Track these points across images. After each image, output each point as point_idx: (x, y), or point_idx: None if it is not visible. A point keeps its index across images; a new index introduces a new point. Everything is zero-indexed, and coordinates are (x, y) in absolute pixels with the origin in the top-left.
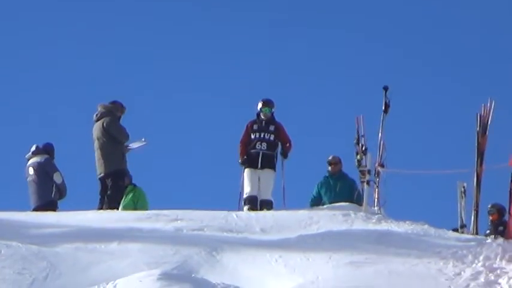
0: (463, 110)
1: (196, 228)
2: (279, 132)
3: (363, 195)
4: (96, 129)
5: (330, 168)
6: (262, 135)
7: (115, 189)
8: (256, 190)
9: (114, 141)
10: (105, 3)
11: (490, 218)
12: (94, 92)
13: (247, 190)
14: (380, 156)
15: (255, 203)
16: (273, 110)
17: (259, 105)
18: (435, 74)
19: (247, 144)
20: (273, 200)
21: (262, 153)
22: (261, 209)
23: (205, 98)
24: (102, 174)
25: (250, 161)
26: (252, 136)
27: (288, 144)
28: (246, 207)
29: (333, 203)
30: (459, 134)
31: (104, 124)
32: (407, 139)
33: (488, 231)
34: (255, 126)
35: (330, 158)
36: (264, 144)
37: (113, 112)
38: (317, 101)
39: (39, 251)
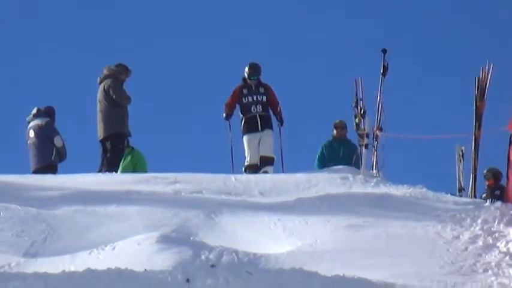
0: (461, 73)
1: (194, 191)
2: (269, 93)
3: (361, 158)
4: (99, 91)
5: (335, 132)
6: (255, 98)
7: (114, 152)
8: (256, 157)
9: (114, 104)
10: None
11: (487, 182)
12: (98, 53)
13: (248, 157)
14: (378, 119)
15: (256, 171)
16: (260, 75)
17: (246, 70)
18: (433, 36)
19: (233, 107)
20: (274, 156)
21: (259, 115)
22: (262, 165)
23: (205, 58)
24: (101, 137)
25: (249, 125)
26: (244, 100)
27: (278, 108)
28: (245, 174)
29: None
30: (457, 97)
31: (105, 87)
32: (405, 102)
33: (484, 195)
34: (245, 91)
35: (337, 121)
36: (259, 106)
37: (116, 75)
38: (315, 63)
39: (38, 213)
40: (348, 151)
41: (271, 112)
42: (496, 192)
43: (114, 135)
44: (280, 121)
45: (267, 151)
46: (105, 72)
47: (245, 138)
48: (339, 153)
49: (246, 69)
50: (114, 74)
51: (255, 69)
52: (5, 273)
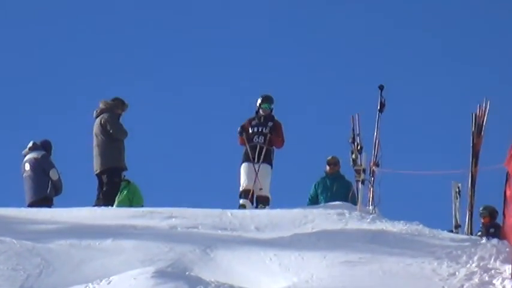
0: (459, 110)
1: (190, 226)
2: (276, 129)
3: (357, 194)
4: (95, 125)
5: (328, 168)
6: (260, 129)
7: (110, 186)
8: (251, 183)
9: (111, 138)
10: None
11: (482, 220)
12: (94, 88)
13: (243, 183)
14: (375, 155)
15: (249, 195)
16: (272, 106)
17: (259, 100)
18: (431, 73)
19: (245, 129)
20: (270, 196)
21: (260, 146)
22: (257, 205)
23: (200, 97)
24: (98, 171)
25: (247, 155)
26: (251, 130)
27: (280, 141)
28: (241, 201)
29: (329, 202)
30: (454, 134)
31: (102, 121)
32: (402, 138)
33: (479, 233)
34: (254, 122)
35: (329, 158)
36: (262, 138)
37: (113, 109)
38: (313, 99)
39: (33, 247)
40: (341, 187)
41: (273, 147)
42: (491, 230)
43: (110, 169)
44: (271, 144)
45: (263, 190)
46: (102, 106)
47: (242, 166)
48: (332, 189)
49: (259, 99)
50: (110, 108)
51: (267, 98)
52: None
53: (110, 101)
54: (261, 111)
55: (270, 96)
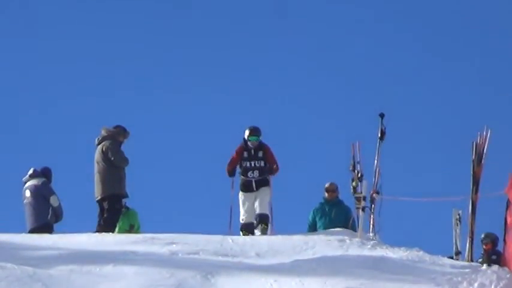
0: (459, 138)
1: (191, 252)
2: (267, 155)
3: (358, 221)
4: (97, 152)
5: (326, 195)
6: (253, 164)
7: (111, 213)
8: (252, 216)
9: (112, 165)
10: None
11: (484, 247)
12: (95, 114)
13: (243, 216)
14: (375, 183)
15: (251, 230)
16: (260, 138)
17: (246, 133)
18: (431, 102)
19: (235, 164)
20: (269, 214)
21: (255, 180)
22: (258, 223)
23: (199, 121)
24: (99, 198)
25: (244, 187)
26: (243, 164)
27: (275, 166)
28: (241, 233)
29: (328, 228)
30: (455, 161)
31: (104, 148)
32: (403, 166)
33: (481, 260)
34: (245, 154)
35: (327, 185)
36: (256, 172)
37: (115, 136)
38: (313, 127)
39: (34, 273)
40: (340, 213)
41: (268, 175)
42: (493, 257)
43: (111, 196)
44: (271, 171)
45: (262, 209)
46: (103, 133)
47: (240, 195)
48: (331, 214)
49: (247, 131)
50: (112, 135)
51: (255, 131)
52: None
53: (111, 128)
54: (249, 143)
55: (257, 128)
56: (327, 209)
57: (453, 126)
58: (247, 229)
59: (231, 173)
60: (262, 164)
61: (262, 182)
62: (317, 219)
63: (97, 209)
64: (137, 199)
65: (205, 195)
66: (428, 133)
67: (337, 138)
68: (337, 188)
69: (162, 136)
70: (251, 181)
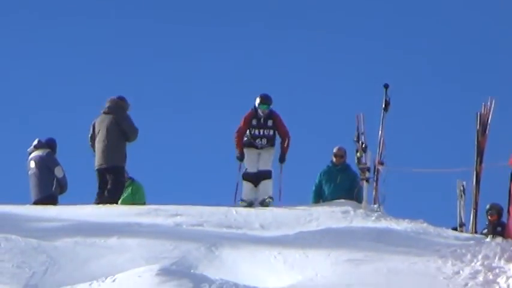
0: (463, 109)
1: (195, 223)
2: (277, 124)
3: (362, 192)
4: (106, 121)
5: (334, 159)
6: (262, 132)
7: (117, 185)
8: (254, 168)
9: (123, 137)
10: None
11: (489, 218)
12: (95, 86)
13: (246, 167)
14: (380, 154)
15: (254, 179)
16: (271, 106)
17: (257, 100)
18: (436, 72)
19: (243, 135)
20: (272, 170)
21: (262, 146)
22: (260, 180)
23: (204, 93)
24: (103, 166)
25: (251, 143)
26: (252, 131)
27: (286, 139)
28: (244, 182)
29: (333, 194)
30: (459, 132)
31: (119, 119)
32: (407, 137)
33: (485, 231)
34: (254, 122)
35: (336, 150)
36: (264, 140)
37: (125, 108)
38: (318, 98)
39: (38, 244)
40: (346, 178)
41: (276, 142)
42: (498, 229)
43: (117, 168)
44: (282, 158)
45: (265, 165)
46: (111, 103)
47: (245, 151)
48: (337, 179)
49: (257, 99)
50: (122, 106)
51: (266, 99)
52: None
53: (116, 99)
54: (259, 111)
55: (268, 96)
56: (333, 174)
57: (457, 96)
58: (250, 179)
59: (239, 145)
60: (271, 133)
61: (268, 145)
62: (323, 182)
63: (96, 178)
64: (142, 170)
65: (210, 167)
66: (432, 104)
67: (342, 110)
68: (345, 152)
69: (167, 107)
70: (257, 146)
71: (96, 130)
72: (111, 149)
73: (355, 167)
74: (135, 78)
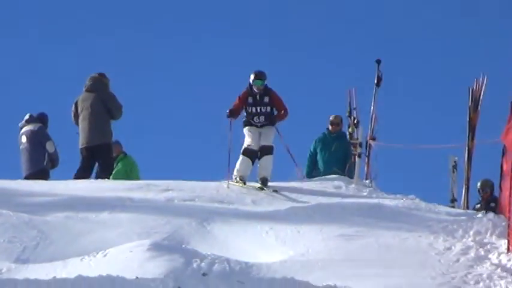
0: (456, 85)
1: (187, 198)
2: (274, 101)
3: (354, 168)
4: (90, 99)
5: (330, 127)
6: (259, 110)
7: (108, 162)
8: (256, 143)
9: (107, 114)
10: None
11: (482, 194)
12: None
13: (249, 141)
14: (372, 129)
15: (254, 156)
16: (265, 82)
17: (252, 77)
18: (428, 47)
19: (238, 110)
20: (273, 145)
21: (261, 124)
22: (261, 155)
23: (198, 66)
24: (89, 145)
25: (249, 123)
26: (248, 109)
27: (283, 112)
28: (242, 157)
29: (327, 162)
30: (451, 108)
31: (104, 97)
32: (399, 113)
33: (478, 206)
34: (250, 99)
35: (332, 118)
36: (262, 118)
37: (108, 86)
38: (309, 73)
39: (30, 219)
40: (341, 147)
41: (276, 120)
42: (491, 205)
43: (107, 145)
44: (274, 121)
45: (266, 141)
46: (94, 81)
47: (245, 129)
48: (331, 147)
49: (252, 76)
50: (106, 84)
51: (260, 75)
52: None
53: (98, 75)
54: (254, 88)
55: (263, 72)
56: (329, 141)
57: (450, 72)
58: (250, 155)
59: (235, 115)
60: (269, 109)
61: (267, 123)
62: (318, 150)
63: (80, 155)
64: (133, 145)
65: (202, 142)
66: (424, 79)
67: (334, 85)
68: (341, 120)
69: (159, 79)
70: (256, 125)
71: (80, 108)
72: (97, 127)
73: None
74: (124, 46)
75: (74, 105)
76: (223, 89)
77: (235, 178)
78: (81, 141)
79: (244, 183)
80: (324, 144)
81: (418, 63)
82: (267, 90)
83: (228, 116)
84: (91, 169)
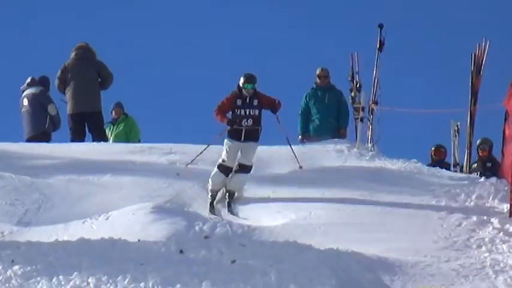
0: (458, 50)
1: (189, 162)
2: (263, 101)
3: (356, 132)
4: (82, 67)
5: (318, 80)
6: (247, 112)
7: (100, 132)
8: (233, 161)
9: (98, 82)
10: None
11: (480, 154)
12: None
13: (225, 157)
14: (374, 93)
15: (229, 172)
16: (255, 86)
17: (241, 80)
18: (431, 12)
19: (224, 111)
20: (252, 164)
21: (246, 129)
22: (237, 171)
23: (200, 32)
24: (81, 111)
25: (233, 134)
26: (237, 111)
27: (276, 102)
28: (216, 170)
29: (322, 114)
30: (454, 73)
31: (96, 65)
32: (401, 77)
33: (475, 165)
34: (239, 102)
35: (319, 71)
36: (250, 121)
37: (95, 54)
38: (312, 37)
39: (32, 182)
40: (333, 97)
41: (261, 125)
42: (488, 165)
43: (97, 113)
44: (275, 111)
45: (246, 160)
46: (83, 50)
47: (226, 142)
48: (324, 99)
49: (242, 79)
50: (94, 53)
51: (250, 78)
52: None
53: (85, 45)
54: (244, 91)
55: (253, 75)
56: (319, 94)
57: (452, 37)
58: (225, 171)
59: (223, 118)
60: (257, 112)
61: (253, 134)
62: (310, 104)
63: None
64: (136, 108)
65: (204, 105)
66: (427, 44)
67: (336, 49)
68: (328, 73)
69: (161, 41)
70: (241, 130)
71: (69, 75)
72: (90, 94)
73: (349, 106)
74: (126, 12)
75: (60, 72)
76: (225, 52)
77: (208, 190)
78: (72, 107)
79: (212, 202)
80: (316, 98)
81: (421, 28)
82: (255, 94)
83: (217, 114)
84: (84, 134)
